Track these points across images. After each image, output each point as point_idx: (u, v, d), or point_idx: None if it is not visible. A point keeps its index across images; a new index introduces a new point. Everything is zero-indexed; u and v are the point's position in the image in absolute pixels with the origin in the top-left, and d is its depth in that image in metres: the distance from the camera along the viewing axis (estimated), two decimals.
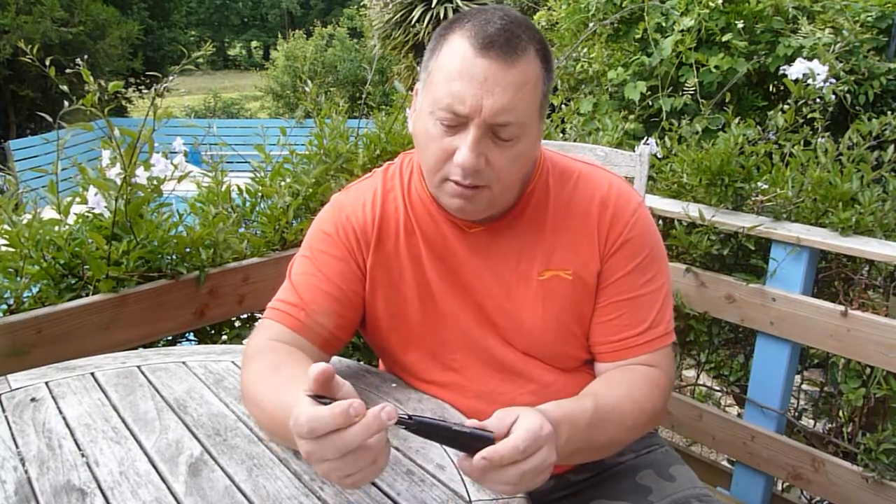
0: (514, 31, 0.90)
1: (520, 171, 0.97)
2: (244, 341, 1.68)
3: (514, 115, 0.90)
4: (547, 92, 0.96)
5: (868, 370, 1.76)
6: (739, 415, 2.10)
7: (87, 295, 1.39)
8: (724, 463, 2.16)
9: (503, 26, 0.90)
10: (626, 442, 1.03)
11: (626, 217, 1.04)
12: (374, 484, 0.82)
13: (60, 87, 1.41)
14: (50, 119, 1.48)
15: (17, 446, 0.90)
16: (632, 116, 2.92)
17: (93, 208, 1.44)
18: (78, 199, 1.44)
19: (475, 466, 0.74)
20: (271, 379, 0.92)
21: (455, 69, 0.90)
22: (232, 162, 1.96)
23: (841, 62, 2.46)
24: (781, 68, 2.18)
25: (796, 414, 2.05)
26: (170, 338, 1.58)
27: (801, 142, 2.03)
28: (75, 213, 1.46)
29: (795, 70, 1.99)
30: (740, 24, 2.95)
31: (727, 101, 2.96)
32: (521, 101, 0.90)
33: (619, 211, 1.04)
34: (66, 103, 1.37)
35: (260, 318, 1.75)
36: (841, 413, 1.91)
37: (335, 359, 1.15)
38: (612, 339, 1.05)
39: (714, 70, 2.93)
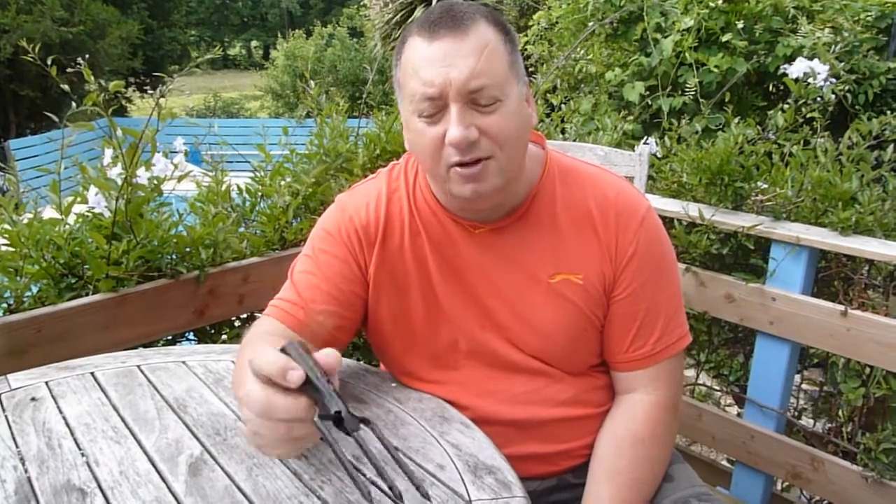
0: (456, 10, 0.94)
1: (516, 131, 0.96)
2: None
3: (484, 78, 0.91)
4: (513, 53, 0.97)
5: (868, 370, 1.76)
6: (739, 414, 2.10)
7: (86, 294, 1.39)
8: (724, 462, 2.16)
9: (445, 10, 0.95)
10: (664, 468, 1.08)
11: (635, 226, 1.04)
12: (372, 483, 0.82)
13: (61, 86, 1.41)
14: (54, 118, 1.48)
15: (17, 446, 0.90)
16: (631, 117, 2.92)
17: (93, 208, 1.44)
18: (78, 199, 1.45)
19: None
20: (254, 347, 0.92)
21: (416, 63, 0.94)
22: (232, 161, 1.96)
23: (841, 62, 2.46)
24: (781, 68, 2.18)
25: (796, 413, 2.05)
26: (170, 337, 1.59)
27: (801, 141, 2.03)
28: (75, 213, 1.46)
29: (795, 69, 1.99)
30: (740, 24, 2.95)
31: (727, 100, 2.95)
32: (485, 63, 0.92)
33: (628, 219, 1.04)
34: (72, 104, 1.37)
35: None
36: (840, 412, 1.91)
37: None
38: (629, 352, 1.06)
39: (714, 70, 2.93)
